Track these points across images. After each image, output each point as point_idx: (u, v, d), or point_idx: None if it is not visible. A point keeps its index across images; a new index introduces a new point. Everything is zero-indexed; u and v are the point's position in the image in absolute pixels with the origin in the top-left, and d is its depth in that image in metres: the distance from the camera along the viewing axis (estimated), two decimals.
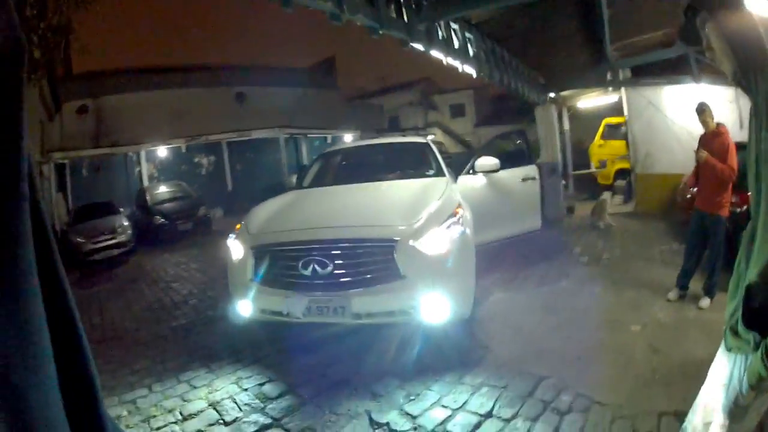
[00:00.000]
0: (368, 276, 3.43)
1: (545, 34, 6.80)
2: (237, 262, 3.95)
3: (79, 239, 9.67)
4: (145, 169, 15.93)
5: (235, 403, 3.24)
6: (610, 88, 9.67)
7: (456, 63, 5.51)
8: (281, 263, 3.65)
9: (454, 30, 5.42)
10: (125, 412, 3.31)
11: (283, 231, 3.95)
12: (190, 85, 18.60)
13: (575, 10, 5.89)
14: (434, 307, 3.35)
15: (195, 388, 3.55)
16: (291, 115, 19.15)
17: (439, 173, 4.99)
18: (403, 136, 7.77)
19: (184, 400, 3.38)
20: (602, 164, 12.19)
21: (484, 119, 26.81)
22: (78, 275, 8.88)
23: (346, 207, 4.29)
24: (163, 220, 11.90)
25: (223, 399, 3.31)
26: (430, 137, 24.65)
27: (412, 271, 3.36)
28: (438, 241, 3.49)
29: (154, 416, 3.22)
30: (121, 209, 11.84)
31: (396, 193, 4.46)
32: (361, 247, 3.48)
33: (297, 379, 3.43)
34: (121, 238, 10.10)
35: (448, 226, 3.62)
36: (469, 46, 5.73)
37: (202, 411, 3.20)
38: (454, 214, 3.76)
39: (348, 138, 18.47)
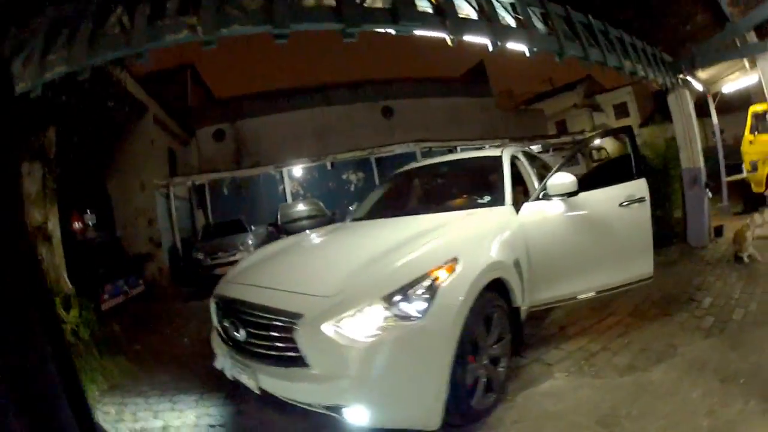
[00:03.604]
0: (273, 353, 2.92)
1: None
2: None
3: (198, 256, 11.50)
4: (289, 186, 17.62)
5: None
6: (746, 62, 7.38)
7: (476, 39, 4.28)
8: (223, 317, 3.53)
9: None
10: (113, 411, 4.08)
11: (233, 283, 3.74)
12: (333, 102, 20.42)
13: None
14: (358, 413, 2.57)
15: (174, 411, 4.04)
16: (441, 126, 19.68)
17: (498, 201, 4.18)
18: (481, 148, 6.81)
19: (155, 417, 3.93)
20: (753, 166, 9.73)
21: (649, 118, 24.23)
22: (194, 290, 10.50)
23: (315, 259, 3.89)
24: None
25: (177, 427, 3.74)
26: (599, 143, 22.92)
27: (319, 360, 2.65)
28: (366, 325, 2.61)
29: (124, 420, 3.90)
30: (253, 227, 13.50)
31: (386, 237, 3.69)
32: (265, 317, 2.95)
33: None
34: (243, 255, 11.60)
35: (398, 301, 2.68)
36: (503, 11, 4.47)
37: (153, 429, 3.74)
38: (425, 278, 2.78)
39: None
